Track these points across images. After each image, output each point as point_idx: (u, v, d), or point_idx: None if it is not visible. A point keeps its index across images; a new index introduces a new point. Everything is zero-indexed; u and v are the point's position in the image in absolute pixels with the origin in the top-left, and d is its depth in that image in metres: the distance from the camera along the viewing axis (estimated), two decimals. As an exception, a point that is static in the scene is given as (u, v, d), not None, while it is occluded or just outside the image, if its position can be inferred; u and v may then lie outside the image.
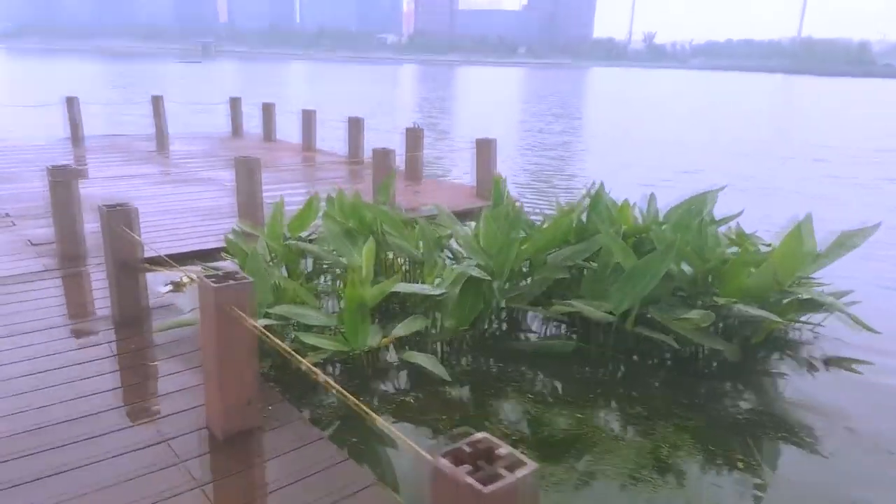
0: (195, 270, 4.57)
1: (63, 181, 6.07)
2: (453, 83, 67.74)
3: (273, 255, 5.61)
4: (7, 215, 7.80)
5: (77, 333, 4.56)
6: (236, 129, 15.73)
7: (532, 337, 5.40)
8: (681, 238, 4.73)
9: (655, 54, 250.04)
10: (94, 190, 8.64)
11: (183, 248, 6.53)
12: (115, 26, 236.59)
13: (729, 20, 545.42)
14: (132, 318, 4.70)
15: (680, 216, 5.27)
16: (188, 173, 10.70)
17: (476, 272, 4.72)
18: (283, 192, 8.15)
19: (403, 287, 4.75)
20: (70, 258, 6.08)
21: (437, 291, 4.63)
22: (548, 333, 5.41)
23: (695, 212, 5.24)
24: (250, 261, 4.60)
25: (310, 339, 4.17)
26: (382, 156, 8.34)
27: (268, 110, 14.78)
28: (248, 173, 7.19)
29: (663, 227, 5.17)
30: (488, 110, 34.13)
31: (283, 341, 3.32)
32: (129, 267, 4.69)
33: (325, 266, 5.66)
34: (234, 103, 15.85)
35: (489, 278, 4.79)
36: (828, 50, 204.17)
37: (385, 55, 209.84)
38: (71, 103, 13.81)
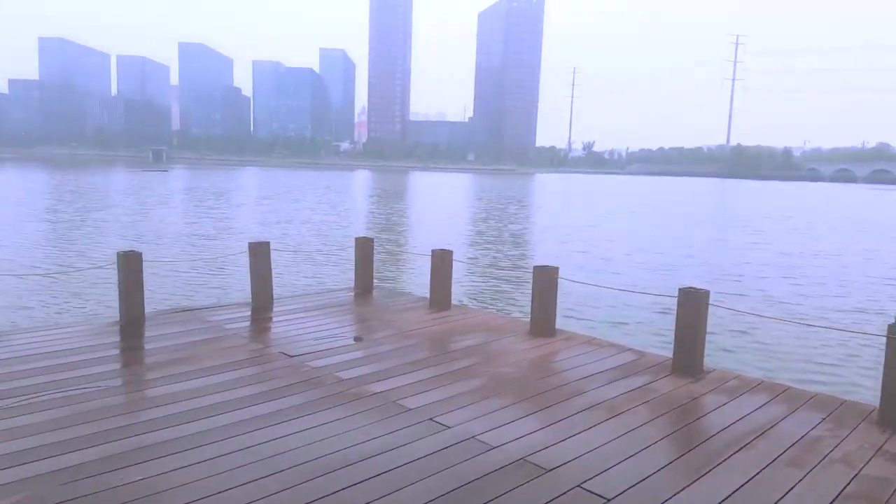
0: None
1: None
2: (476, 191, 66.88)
3: None
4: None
5: None
6: (365, 287, 9.40)
7: None
8: None
9: (595, 161, 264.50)
10: None
11: None
12: (60, 133, 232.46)
13: (659, 131, 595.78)
14: None
15: None
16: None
17: None
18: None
19: None
20: None
21: None
22: None
23: None
24: None
25: None
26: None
27: (442, 259, 8.52)
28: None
29: None
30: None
31: None
32: None
33: None
34: (363, 244, 9.60)
35: None
36: (755, 156, 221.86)
37: (341, 161, 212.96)
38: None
